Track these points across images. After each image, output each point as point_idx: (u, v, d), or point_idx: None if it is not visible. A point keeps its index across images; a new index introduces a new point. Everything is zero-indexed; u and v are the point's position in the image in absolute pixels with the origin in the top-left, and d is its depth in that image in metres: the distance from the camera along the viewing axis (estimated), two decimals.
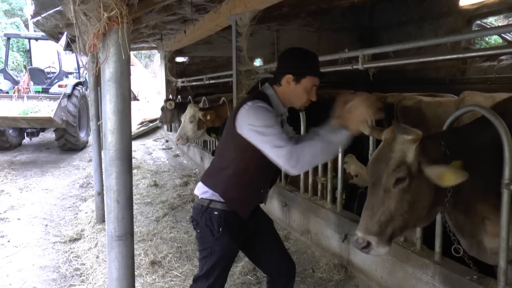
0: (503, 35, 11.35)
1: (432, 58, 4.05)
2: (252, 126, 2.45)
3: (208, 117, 6.89)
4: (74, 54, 12.69)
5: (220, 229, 2.61)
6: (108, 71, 2.01)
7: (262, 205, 2.93)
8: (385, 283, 3.75)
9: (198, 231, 2.72)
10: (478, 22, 10.64)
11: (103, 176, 2.29)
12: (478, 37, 7.64)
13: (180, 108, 9.43)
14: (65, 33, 3.23)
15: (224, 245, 2.65)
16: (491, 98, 6.26)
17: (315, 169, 5.00)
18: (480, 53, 5.28)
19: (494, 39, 12.99)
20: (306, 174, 5.16)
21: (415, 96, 8.13)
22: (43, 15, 3.15)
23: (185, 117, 6.93)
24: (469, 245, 2.69)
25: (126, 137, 2.09)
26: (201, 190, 2.72)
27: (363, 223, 2.30)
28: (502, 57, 9.86)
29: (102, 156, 2.45)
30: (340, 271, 4.25)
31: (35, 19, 3.51)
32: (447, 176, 2.15)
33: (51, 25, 3.52)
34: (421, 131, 2.24)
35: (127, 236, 2.17)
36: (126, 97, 2.04)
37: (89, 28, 1.87)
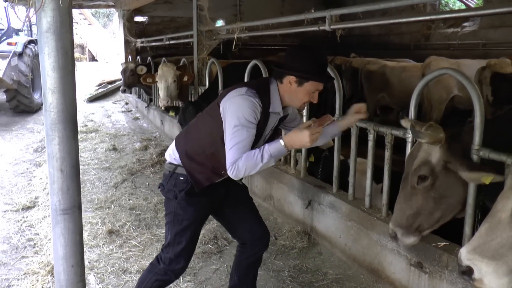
0: (465, 1, 11.44)
1: (402, 20, 3.94)
2: (234, 114, 2.40)
3: (186, 78, 6.90)
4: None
5: (183, 193, 2.55)
6: (45, 21, 1.72)
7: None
8: (349, 250, 3.70)
9: (164, 196, 2.68)
10: None
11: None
12: None
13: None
14: None
15: (187, 209, 2.58)
16: (456, 64, 6.27)
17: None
18: (442, 16, 5.30)
19: (458, 6, 13.04)
20: None
21: (379, 61, 8.10)
22: None
23: (168, 77, 6.80)
24: None
25: (70, 97, 1.82)
26: (170, 154, 2.68)
27: (394, 215, 2.53)
28: (465, 24, 9.93)
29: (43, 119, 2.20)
30: (304, 238, 4.17)
31: None
32: (483, 180, 2.19)
33: None
34: (444, 133, 2.24)
35: (74, 209, 1.93)
36: (68, 50, 1.75)
37: None
